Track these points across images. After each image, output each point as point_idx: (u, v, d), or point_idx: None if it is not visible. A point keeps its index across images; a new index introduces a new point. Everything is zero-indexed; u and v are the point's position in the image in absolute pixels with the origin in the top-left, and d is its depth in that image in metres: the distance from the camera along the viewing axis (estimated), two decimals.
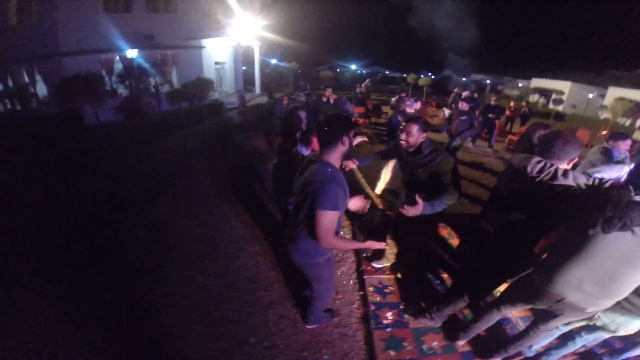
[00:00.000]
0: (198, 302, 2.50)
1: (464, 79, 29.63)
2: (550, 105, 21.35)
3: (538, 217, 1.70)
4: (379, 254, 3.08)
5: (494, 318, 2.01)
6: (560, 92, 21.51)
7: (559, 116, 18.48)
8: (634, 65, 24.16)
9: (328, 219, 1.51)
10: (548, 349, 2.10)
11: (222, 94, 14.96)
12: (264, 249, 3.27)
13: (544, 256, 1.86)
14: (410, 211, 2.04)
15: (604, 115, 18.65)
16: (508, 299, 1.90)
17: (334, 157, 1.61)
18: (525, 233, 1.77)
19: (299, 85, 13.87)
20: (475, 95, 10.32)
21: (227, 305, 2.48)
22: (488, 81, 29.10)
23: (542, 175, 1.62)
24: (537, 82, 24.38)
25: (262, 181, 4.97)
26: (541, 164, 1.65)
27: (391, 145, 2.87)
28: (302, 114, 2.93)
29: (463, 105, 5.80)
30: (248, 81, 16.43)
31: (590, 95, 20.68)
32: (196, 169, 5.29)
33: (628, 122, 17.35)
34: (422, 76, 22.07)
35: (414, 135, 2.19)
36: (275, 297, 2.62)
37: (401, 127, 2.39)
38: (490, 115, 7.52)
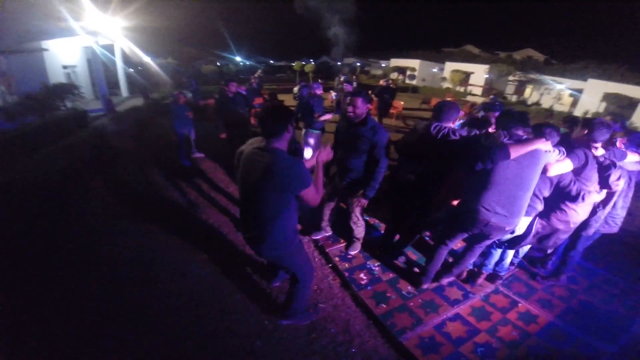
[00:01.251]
0: (178, 323, 2.20)
1: (339, 63, 32.65)
2: (407, 81, 25.88)
3: (442, 164, 2.36)
4: (316, 226, 3.40)
5: (443, 253, 2.55)
6: (413, 69, 26.18)
7: (414, 89, 22.58)
8: (461, 43, 31.68)
9: (312, 191, 1.69)
10: (483, 261, 2.78)
11: (79, 101, 12.30)
12: (212, 254, 3.08)
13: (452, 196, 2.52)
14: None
15: (445, 85, 23.96)
16: (450, 233, 2.45)
17: (283, 145, 1.71)
18: (435, 177, 2.40)
19: (182, 82, 12.60)
20: (354, 77, 11.65)
21: (213, 318, 2.29)
22: (358, 64, 32.81)
23: (440, 135, 2.25)
24: (395, 62, 28.92)
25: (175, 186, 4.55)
26: (438, 127, 2.32)
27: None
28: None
29: (347, 87, 6.59)
30: (111, 84, 13.88)
31: (434, 70, 26.03)
32: (90, 188, 4.36)
33: (462, 89, 22.73)
34: (304, 63, 23.21)
35: (360, 107, 2.53)
36: (255, 297, 2.55)
37: (348, 101, 2.69)
38: (385, 96, 8.68)
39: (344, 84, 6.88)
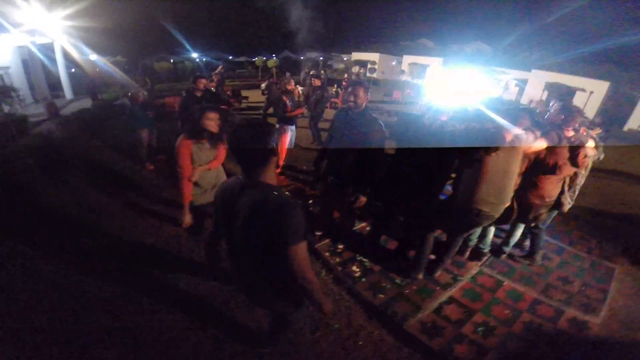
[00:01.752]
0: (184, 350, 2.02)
1: (302, 58, 32.46)
2: (368, 74, 26.41)
3: (441, 157, 2.37)
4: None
5: (432, 242, 2.63)
6: (374, 62, 26.78)
7: (375, 82, 23.10)
8: (417, 36, 32.91)
9: (302, 251, 1.19)
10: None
11: (16, 105, 10.91)
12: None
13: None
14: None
15: (404, 77, 24.80)
16: (442, 224, 2.56)
17: (271, 175, 1.26)
18: (434, 169, 2.42)
19: (136, 80, 11.63)
20: (323, 72, 11.60)
21: (215, 331, 2.13)
22: (321, 58, 32.84)
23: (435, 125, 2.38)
24: (356, 56, 29.38)
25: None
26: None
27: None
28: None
29: (316, 82, 6.51)
30: (53, 86, 12.47)
31: (393, 63, 26.86)
32: (36, 203, 3.82)
33: (420, 81, 23.66)
34: (265, 58, 22.65)
35: (361, 97, 2.43)
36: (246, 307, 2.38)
37: (349, 90, 2.55)
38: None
39: (313, 79, 6.80)
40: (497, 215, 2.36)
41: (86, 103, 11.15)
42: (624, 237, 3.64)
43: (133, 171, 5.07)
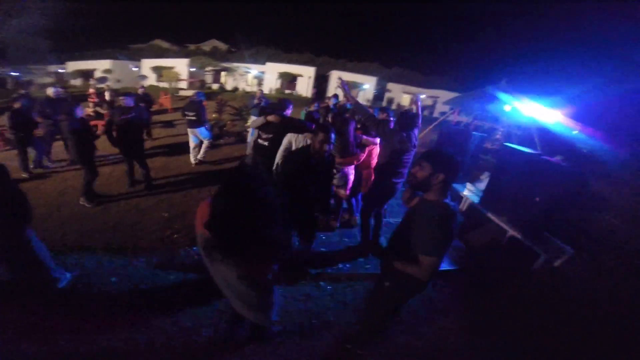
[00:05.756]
0: None
1: None
2: (98, 85, 21.00)
3: None
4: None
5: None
6: (108, 71, 22.10)
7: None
8: (149, 38, 29.39)
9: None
10: None
11: None
12: None
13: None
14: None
15: (148, 83, 21.76)
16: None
17: None
18: None
19: None
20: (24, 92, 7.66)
21: None
22: (13, 73, 22.97)
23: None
24: (75, 65, 23.05)
25: None
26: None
27: None
28: None
29: (128, 101, 4.42)
30: None
31: (135, 69, 23.23)
32: None
33: (168, 85, 21.86)
34: None
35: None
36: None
37: None
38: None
39: (126, 98, 4.46)
40: None
41: None
42: None
43: None
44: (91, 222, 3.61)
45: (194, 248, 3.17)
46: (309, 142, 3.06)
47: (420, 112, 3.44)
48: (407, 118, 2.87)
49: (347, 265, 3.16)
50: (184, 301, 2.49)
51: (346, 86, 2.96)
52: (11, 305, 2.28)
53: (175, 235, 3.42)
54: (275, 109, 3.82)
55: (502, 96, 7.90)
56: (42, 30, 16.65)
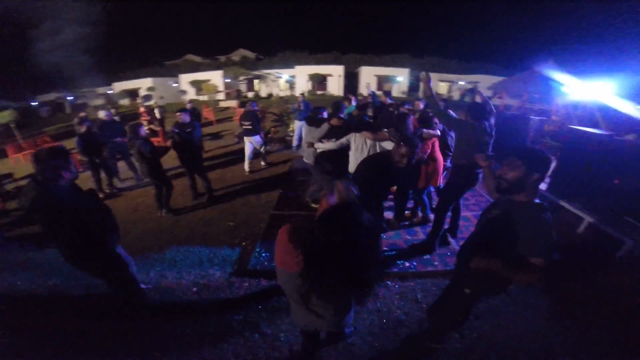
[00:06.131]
0: None
1: (33, 103, 24.27)
2: (146, 103, 22.62)
3: None
4: None
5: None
6: (151, 89, 23.43)
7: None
8: (180, 54, 31.17)
9: None
10: None
11: None
12: None
13: None
14: None
15: (189, 97, 23.06)
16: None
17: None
18: None
19: None
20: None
21: None
22: (69, 98, 25.45)
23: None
24: (121, 86, 24.89)
25: None
26: None
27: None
28: None
29: (185, 117, 4.70)
30: None
31: (175, 84, 24.54)
32: None
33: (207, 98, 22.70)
34: None
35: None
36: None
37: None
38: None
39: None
40: None
41: None
42: None
43: None
44: (166, 235, 3.75)
45: (263, 254, 3.24)
46: (367, 141, 3.08)
47: (487, 99, 3.41)
48: (478, 109, 2.72)
49: (414, 263, 3.08)
50: (259, 308, 2.52)
51: (430, 81, 2.81)
52: (111, 317, 2.43)
53: (244, 243, 3.48)
54: (317, 114, 4.15)
55: (557, 75, 7.35)
56: (87, 53, 18.19)
